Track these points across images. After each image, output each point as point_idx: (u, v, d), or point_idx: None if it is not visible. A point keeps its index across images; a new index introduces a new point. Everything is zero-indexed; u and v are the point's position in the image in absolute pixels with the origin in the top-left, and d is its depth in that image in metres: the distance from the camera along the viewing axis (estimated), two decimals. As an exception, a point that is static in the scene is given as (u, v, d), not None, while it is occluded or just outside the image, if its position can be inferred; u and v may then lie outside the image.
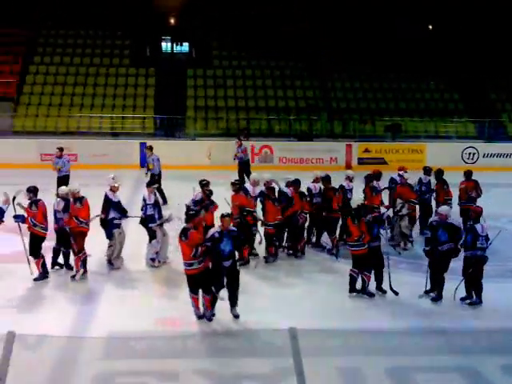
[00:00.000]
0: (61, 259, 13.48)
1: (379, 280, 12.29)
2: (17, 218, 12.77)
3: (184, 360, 9.58)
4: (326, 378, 8.85)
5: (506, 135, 30.44)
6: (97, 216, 13.61)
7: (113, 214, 13.46)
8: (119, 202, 13.63)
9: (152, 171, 19.26)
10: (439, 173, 16.12)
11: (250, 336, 10.34)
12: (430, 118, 30.75)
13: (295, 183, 14.52)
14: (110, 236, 13.60)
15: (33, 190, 13.05)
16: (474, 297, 11.93)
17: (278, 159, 27.13)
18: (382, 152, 27.57)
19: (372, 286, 12.27)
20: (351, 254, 12.33)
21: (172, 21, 36.23)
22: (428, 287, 12.23)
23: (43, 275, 12.81)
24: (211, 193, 14.08)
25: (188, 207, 13.16)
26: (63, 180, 19.18)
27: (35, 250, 12.76)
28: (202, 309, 11.00)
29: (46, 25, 34.19)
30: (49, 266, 13.19)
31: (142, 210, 13.93)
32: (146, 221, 13.85)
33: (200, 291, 10.94)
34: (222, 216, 11.06)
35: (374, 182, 15.51)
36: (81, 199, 13.08)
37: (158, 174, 19.46)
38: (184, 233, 10.78)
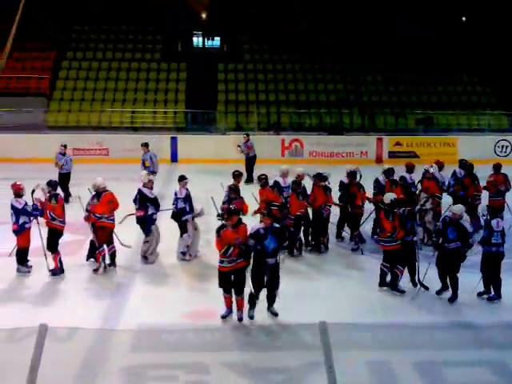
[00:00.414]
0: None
1: (412, 273, 12.22)
2: (35, 211, 12.85)
3: (214, 353, 9.63)
4: (356, 372, 8.85)
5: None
6: (130, 215, 13.77)
7: (151, 210, 13.50)
8: (156, 198, 13.69)
9: (149, 169, 18.32)
10: (469, 167, 15.97)
11: (279, 330, 10.38)
12: (463, 110, 30.44)
13: (317, 177, 14.52)
14: (148, 232, 13.65)
15: (53, 184, 13.18)
16: (492, 292, 11.75)
17: (308, 153, 27.07)
18: (413, 145, 27.36)
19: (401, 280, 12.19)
20: (383, 250, 12.26)
21: (203, 15, 36.31)
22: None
23: (60, 270, 12.86)
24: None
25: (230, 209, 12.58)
26: (64, 177, 19.24)
27: (53, 244, 12.84)
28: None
29: (79, 20, 34.48)
30: (83, 258, 13.39)
31: (173, 203, 13.95)
32: (177, 215, 13.86)
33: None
34: (264, 214, 11.07)
35: (407, 176, 15.44)
36: (99, 195, 13.10)
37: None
38: (219, 229, 10.69)
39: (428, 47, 32.19)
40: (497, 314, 11.21)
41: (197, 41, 38.26)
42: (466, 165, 16.10)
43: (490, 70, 32.52)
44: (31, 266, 12.94)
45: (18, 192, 12.85)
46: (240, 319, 10.70)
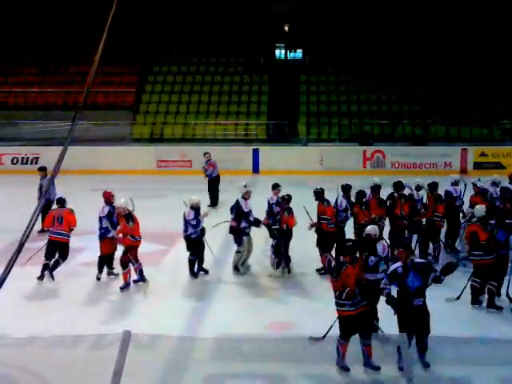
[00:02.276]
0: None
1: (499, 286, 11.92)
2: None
3: (294, 364, 9.62)
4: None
5: None
6: (225, 222, 13.98)
7: (244, 223, 13.62)
8: (250, 212, 13.76)
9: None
10: None
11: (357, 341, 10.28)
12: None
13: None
14: (239, 242, 13.78)
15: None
16: None
17: (391, 164, 26.82)
18: (499, 156, 26.70)
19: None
20: (474, 264, 11.86)
21: (286, 28, 36.54)
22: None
23: (126, 284, 12.89)
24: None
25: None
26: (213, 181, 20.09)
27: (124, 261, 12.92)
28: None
29: (164, 34, 35.24)
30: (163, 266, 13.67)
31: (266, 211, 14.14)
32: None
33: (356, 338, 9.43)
34: (399, 247, 9.88)
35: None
36: (130, 216, 12.93)
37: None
38: (339, 267, 9.39)
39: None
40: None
41: (279, 53, 38.50)
42: None
43: None
44: (117, 274, 13.26)
45: (108, 200, 13.29)
46: (373, 367, 9.28)
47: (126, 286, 12.72)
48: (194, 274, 13.46)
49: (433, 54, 32.39)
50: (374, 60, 33.19)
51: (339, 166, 24.24)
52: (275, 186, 14.48)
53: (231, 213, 13.78)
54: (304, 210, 13.57)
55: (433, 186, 14.48)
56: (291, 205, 13.77)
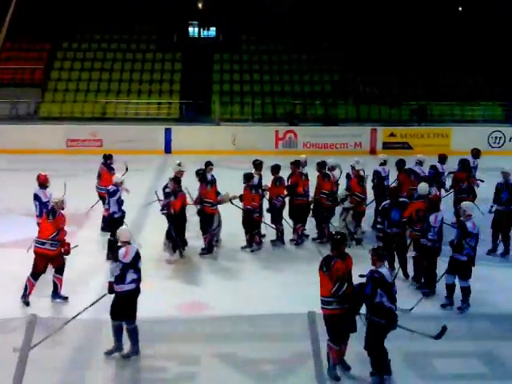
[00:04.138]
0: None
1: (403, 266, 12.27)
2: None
3: (204, 344, 9.69)
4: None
5: (532, 119, 30.12)
6: (156, 201, 13.95)
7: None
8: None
9: None
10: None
11: (269, 321, 10.41)
12: (456, 101, 30.46)
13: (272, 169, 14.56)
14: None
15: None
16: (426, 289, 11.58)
17: (302, 144, 27.09)
18: (407, 136, 27.33)
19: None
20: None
21: (199, 5, 36.21)
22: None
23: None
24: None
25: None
26: None
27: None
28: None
29: (74, 11, 34.36)
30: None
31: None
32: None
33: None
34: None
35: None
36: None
37: None
38: (328, 261, 8.76)
39: (422, 36, 32.17)
40: (493, 305, 11.29)
41: (192, 31, 38.13)
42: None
43: (485, 60, 32.51)
44: None
45: (43, 183, 12.90)
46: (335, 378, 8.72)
47: None
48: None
49: (346, 35, 32.78)
50: (286, 40, 33.40)
51: (252, 145, 24.28)
52: (208, 164, 14.41)
53: (163, 192, 13.76)
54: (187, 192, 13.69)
55: (321, 165, 14.63)
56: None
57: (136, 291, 9.24)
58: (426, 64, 32.39)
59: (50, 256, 11.05)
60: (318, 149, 26.21)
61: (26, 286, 11.07)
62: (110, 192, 13.22)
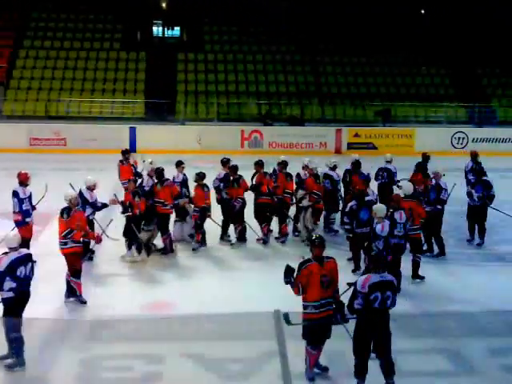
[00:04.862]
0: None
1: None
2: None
3: (170, 343, 9.65)
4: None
5: (495, 120, 30.57)
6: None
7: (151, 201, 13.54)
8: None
9: None
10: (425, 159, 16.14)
11: (235, 319, 10.37)
12: (421, 102, 30.80)
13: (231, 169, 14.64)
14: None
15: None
16: None
17: (268, 144, 27.12)
18: (371, 137, 27.60)
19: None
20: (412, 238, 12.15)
21: (163, 5, 36.07)
22: None
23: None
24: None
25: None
26: None
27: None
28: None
29: (37, 8, 34.02)
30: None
31: None
32: (176, 199, 13.91)
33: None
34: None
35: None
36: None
37: None
38: (302, 264, 8.49)
39: (387, 38, 32.50)
40: (453, 302, 11.36)
41: (157, 30, 37.96)
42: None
43: (449, 61, 32.96)
44: None
45: (24, 181, 12.72)
46: (311, 379, 8.64)
47: None
48: (88, 257, 12.91)
49: (310, 36, 32.96)
50: (252, 40, 33.47)
51: (217, 145, 24.26)
52: (179, 163, 14.63)
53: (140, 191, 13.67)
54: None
55: (283, 164, 14.70)
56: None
57: (16, 300, 8.78)
58: (390, 65, 32.77)
59: (78, 252, 11.05)
60: (284, 149, 26.28)
61: (70, 287, 11.00)
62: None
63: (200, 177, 13.91)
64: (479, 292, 11.67)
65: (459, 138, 27.82)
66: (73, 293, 11.09)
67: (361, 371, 8.17)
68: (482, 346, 9.42)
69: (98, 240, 11.87)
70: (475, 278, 12.52)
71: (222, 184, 14.40)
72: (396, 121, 29.59)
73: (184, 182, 14.39)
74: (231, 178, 14.34)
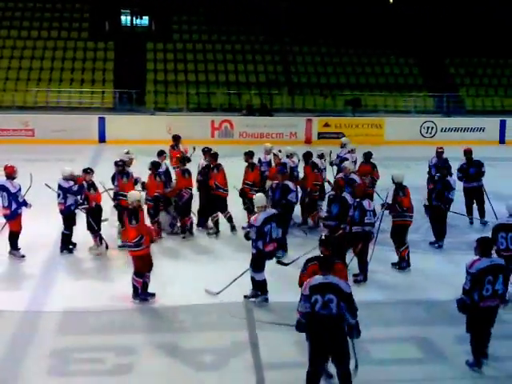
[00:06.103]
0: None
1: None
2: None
3: (142, 334, 9.62)
4: (279, 349, 8.96)
5: (464, 110, 30.87)
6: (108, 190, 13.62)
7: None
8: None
9: None
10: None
11: (207, 310, 10.39)
12: (390, 92, 30.97)
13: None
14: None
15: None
16: (360, 275, 11.61)
17: (239, 134, 27.08)
18: (341, 127, 27.63)
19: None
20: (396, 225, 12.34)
21: (132, -6, 35.80)
22: None
23: None
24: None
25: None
26: None
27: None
28: None
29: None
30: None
31: None
32: None
33: None
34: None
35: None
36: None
37: None
38: (308, 262, 8.34)
39: (356, 28, 32.62)
40: (424, 291, 11.45)
41: (125, 19, 37.60)
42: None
43: (417, 51, 33.17)
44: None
45: (10, 174, 12.56)
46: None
47: None
48: (67, 249, 12.95)
49: (280, 25, 32.94)
50: (222, 29, 33.36)
51: (188, 135, 24.01)
52: (161, 153, 14.66)
53: (112, 182, 13.63)
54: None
55: (249, 155, 14.61)
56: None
57: None
58: (359, 55, 32.90)
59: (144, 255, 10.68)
60: (254, 138, 26.19)
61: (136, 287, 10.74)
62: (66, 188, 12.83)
63: (154, 166, 13.89)
64: (448, 280, 11.73)
65: (428, 128, 28.01)
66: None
67: (311, 380, 7.59)
68: (452, 334, 9.52)
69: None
70: (446, 267, 12.53)
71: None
72: (366, 111, 29.69)
73: (166, 172, 14.40)
74: (211, 165, 14.28)
